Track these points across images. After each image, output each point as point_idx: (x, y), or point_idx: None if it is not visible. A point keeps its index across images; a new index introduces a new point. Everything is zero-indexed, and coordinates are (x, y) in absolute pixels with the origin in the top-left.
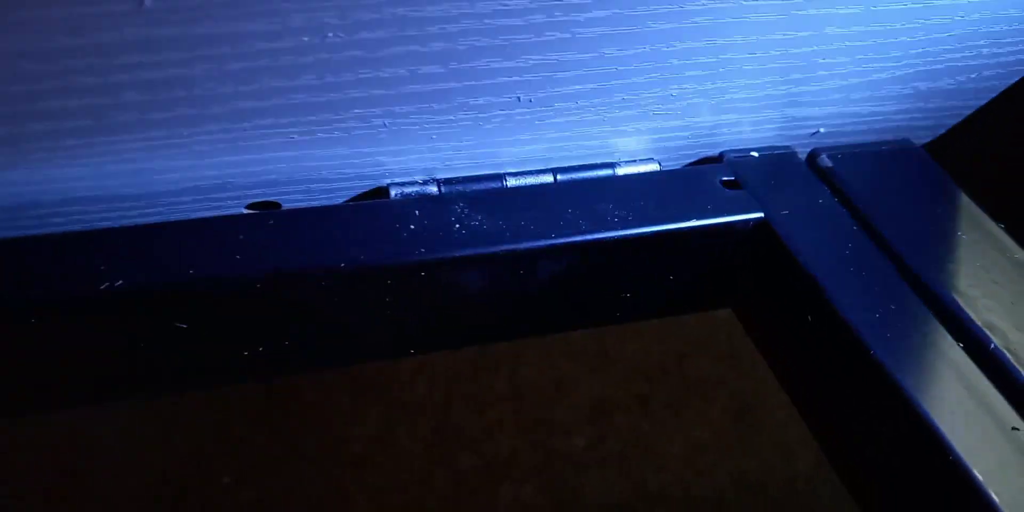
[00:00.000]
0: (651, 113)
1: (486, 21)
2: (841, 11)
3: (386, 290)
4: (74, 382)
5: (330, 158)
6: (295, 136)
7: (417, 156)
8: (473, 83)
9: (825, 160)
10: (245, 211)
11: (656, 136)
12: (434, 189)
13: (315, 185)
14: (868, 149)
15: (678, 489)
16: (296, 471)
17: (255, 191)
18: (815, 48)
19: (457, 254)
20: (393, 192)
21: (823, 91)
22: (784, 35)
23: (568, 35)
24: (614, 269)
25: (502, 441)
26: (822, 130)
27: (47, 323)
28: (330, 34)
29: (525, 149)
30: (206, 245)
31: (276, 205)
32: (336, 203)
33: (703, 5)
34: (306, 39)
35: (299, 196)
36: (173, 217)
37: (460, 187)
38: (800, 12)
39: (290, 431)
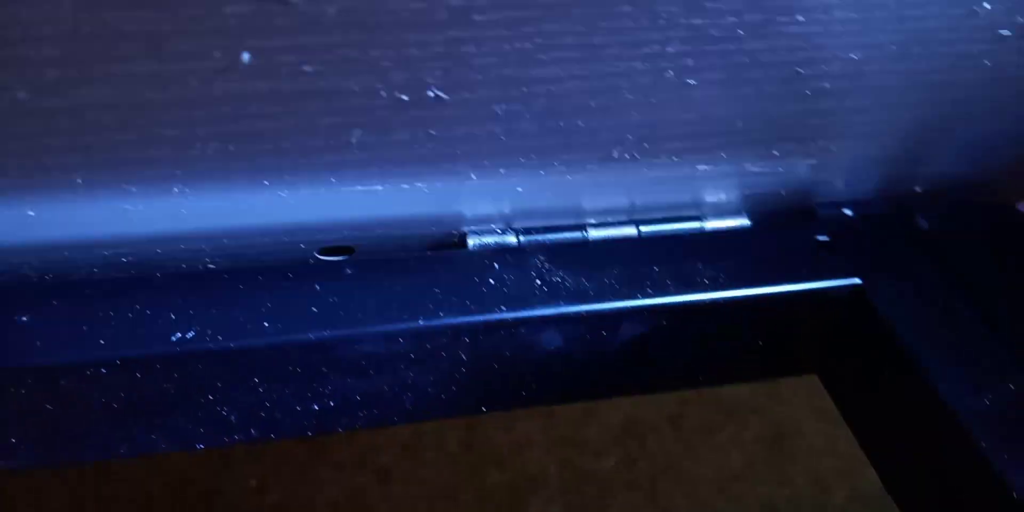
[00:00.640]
0: (746, 170)
1: (593, 81)
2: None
3: (462, 348)
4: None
5: (409, 205)
6: (378, 187)
7: (496, 204)
8: (568, 141)
9: (922, 222)
10: (318, 256)
11: (748, 191)
12: (512, 239)
13: (390, 231)
14: (969, 211)
15: None
16: (321, 478)
17: (329, 235)
18: (934, 109)
19: (539, 313)
20: (471, 242)
21: (931, 152)
22: (900, 98)
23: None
24: (699, 332)
25: (530, 458)
26: (917, 189)
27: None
28: (430, 92)
29: (609, 199)
30: (278, 299)
31: (350, 250)
32: (410, 250)
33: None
34: (404, 98)
35: (373, 242)
36: (245, 255)
37: (539, 237)
38: (927, 78)
39: (317, 437)
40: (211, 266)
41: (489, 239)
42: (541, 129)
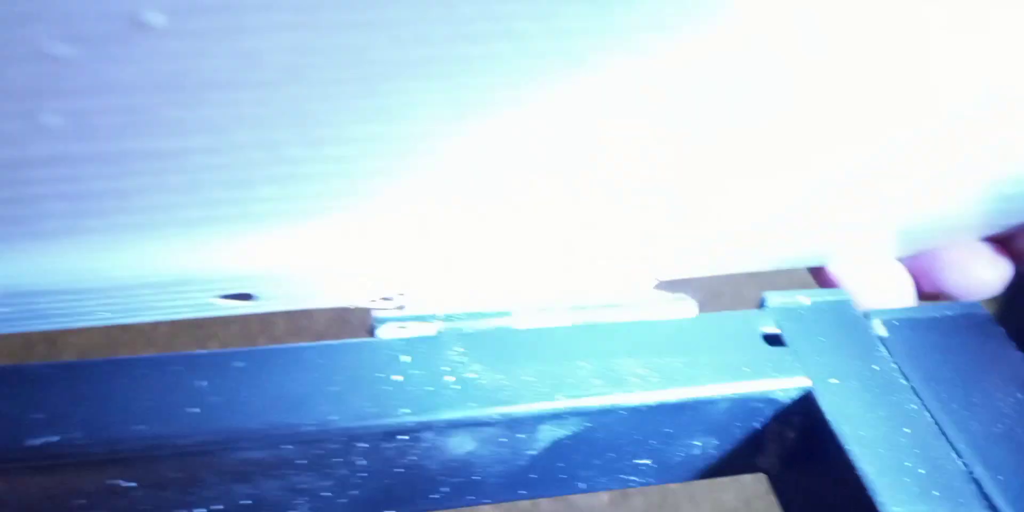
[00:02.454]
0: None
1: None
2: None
3: (358, 453)
4: None
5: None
6: (255, 236)
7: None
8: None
9: (879, 328)
10: (216, 302)
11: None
12: (431, 329)
13: (291, 281)
14: (928, 315)
15: None
16: None
17: (225, 284)
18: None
19: (446, 418)
20: (379, 331)
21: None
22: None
23: None
24: (629, 436)
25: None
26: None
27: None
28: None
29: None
30: (155, 397)
31: (248, 297)
32: (315, 302)
33: None
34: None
35: (273, 290)
36: (132, 307)
37: (462, 324)
38: None
39: None
40: (107, 315)
41: (404, 325)
42: None
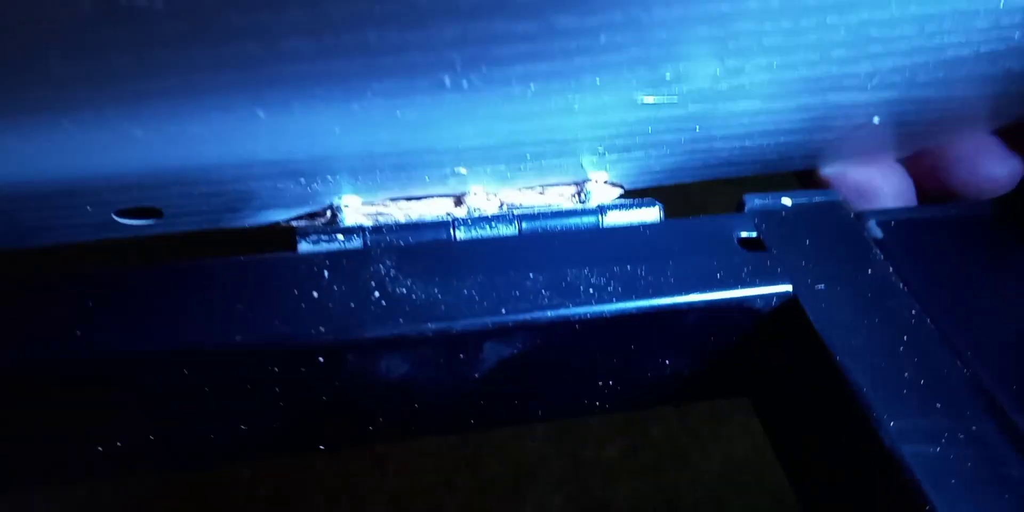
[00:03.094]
0: (639, 101)
1: None
2: None
3: (270, 377)
4: None
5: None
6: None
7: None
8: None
9: (875, 230)
10: (115, 218)
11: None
12: (358, 241)
13: (193, 188)
14: (929, 216)
15: (713, 505)
16: (315, 467)
17: (122, 194)
18: (866, 16)
19: (368, 335)
20: (302, 244)
21: (878, 72)
22: None
23: None
24: (587, 355)
25: (530, 447)
26: (876, 120)
27: None
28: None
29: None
30: (31, 315)
31: (156, 212)
32: (232, 219)
33: None
34: None
35: (182, 202)
36: (19, 229)
37: (393, 237)
38: None
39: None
40: None
41: (326, 238)
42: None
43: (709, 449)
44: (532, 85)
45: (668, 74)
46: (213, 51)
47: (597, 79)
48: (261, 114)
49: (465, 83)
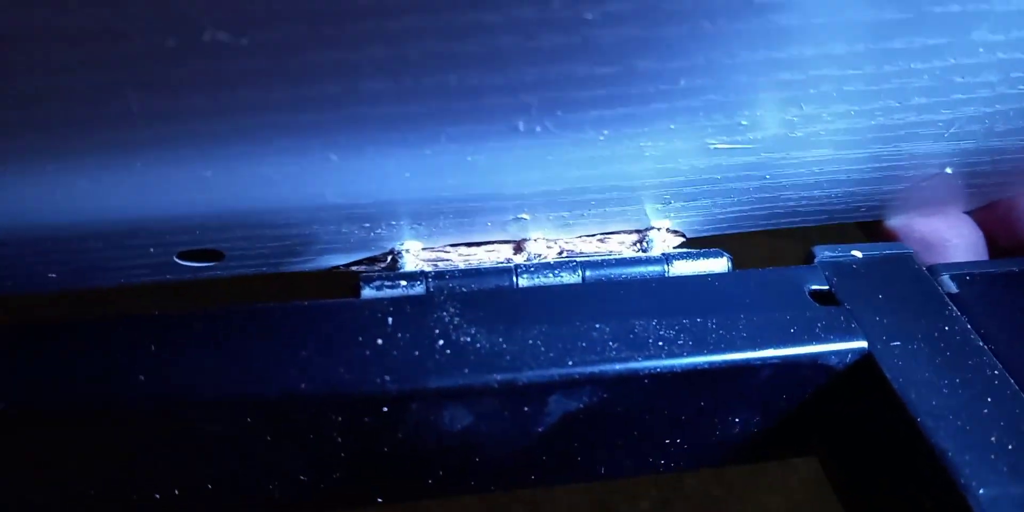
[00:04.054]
0: (710, 147)
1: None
2: (998, 7)
3: (333, 427)
4: None
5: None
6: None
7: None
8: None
9: (949, 284)
10: (176, 260)
11: (717, 181)
12: (420, 288)
13: (256, 231)
14: (1005, 270)
15: None
16: None
17: (184, 236)
18: (951, 62)
19: (435, 385)
20: (365, 290)
21: (956, 120)
22: (906, 43)
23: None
24: (654, 410)
25: (561, 498)
26: (949, 170)
27: None
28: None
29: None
30: (94, 359)
31: (218, 255)
32: (294, 263)
33: None
34: None
35: (244, 245)
36: (79, 267)
37: (455, 283)
38: (935, 9)
39: None
40: (52, 276)
41: (389, 284)
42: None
43: (744, 503)
44: (606, 130)
45: (744, 120)
46: (292, 91)
47: (672, 124)
48: (333, 157)
49: (539, 128)
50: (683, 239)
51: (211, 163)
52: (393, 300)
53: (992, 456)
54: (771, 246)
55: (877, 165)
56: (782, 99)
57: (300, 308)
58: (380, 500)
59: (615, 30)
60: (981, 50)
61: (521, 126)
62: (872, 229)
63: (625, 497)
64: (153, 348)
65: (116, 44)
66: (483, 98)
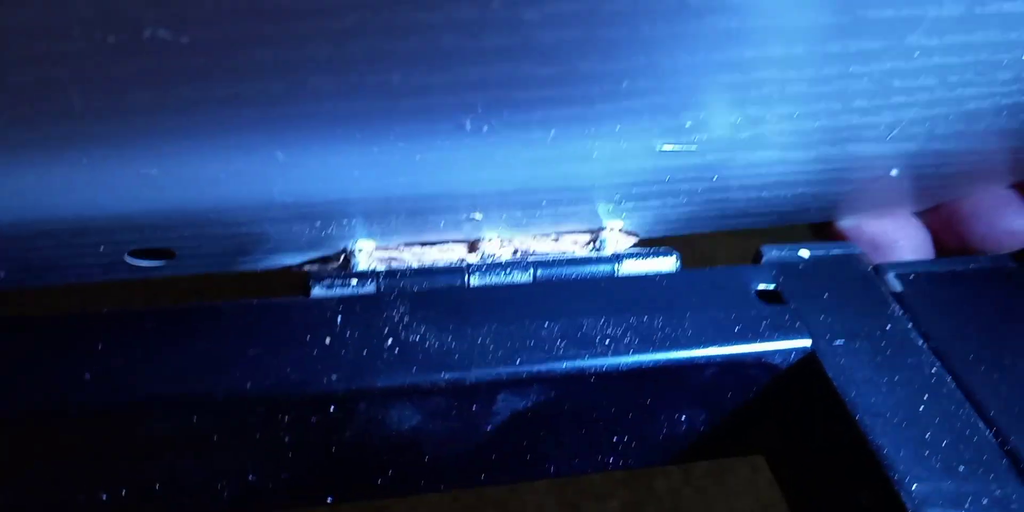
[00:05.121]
0: (657, 149)
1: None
2: (931, 13)
3: (280, 427)
4: None
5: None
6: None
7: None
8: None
9: (894, 283)
10: (127, 259)
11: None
12: (371, 287)
13: (205, 229)
14: (948, 269)
15: None
16: None
17: (136, 234)
18: (889, 65)
19: (382, 384)
20: (315, 289)
21: (898, 123)
22: (844, 46)
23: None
24: (602, 408)
25: (529, 500)
26: (895, 172)
27: None
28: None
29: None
30: (39, 358)
31: (169, 253)
32: (246, 262)
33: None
34: None
35: (195, 244)
36: (29, 265)
37: (406, 282)
38: (869, 13)
39: None
40: (1, 274)
41: (339, 283)
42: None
43: (713, 504)
44: (552, 130)
45: (688, 122)
46: (235, 87)
47: (617, 126)
48: (280, 155)
49: (485, 127)
50: (637, 239)
51: (156, 161)
52: (343, 299)
53: (926, 452)
54: (744, 247)
55: (824, 166)
56: (725, 101)
57: (248, 306)
58: (330, 500)
59: (555, 31)
60: (917, 54)
61: (468, 125)
62: (822, 230)
63: (593, 498)
64: (98, 346)
65: (57, 42)
66: (428, 97)
